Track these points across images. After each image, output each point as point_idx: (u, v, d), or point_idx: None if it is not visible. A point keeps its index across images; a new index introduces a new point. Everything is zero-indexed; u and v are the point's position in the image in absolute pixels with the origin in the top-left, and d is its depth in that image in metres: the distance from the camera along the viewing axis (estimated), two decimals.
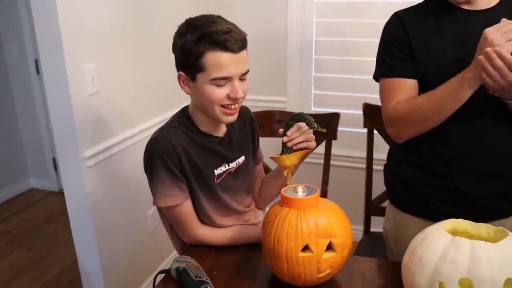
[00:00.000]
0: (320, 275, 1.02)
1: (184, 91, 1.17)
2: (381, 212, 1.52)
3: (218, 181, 1.24)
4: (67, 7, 1.59)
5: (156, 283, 1.14)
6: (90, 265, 1.91)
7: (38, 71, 3.30)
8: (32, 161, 3.58)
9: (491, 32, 1.02)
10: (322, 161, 1.81)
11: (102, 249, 1.89)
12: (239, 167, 1.29)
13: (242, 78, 1.13)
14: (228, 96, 1.11)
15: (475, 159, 1.18)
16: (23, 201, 3.45)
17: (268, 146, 1.53)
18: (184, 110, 1.24)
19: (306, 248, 1.00)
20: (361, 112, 1.77)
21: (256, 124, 1.40)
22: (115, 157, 1.93)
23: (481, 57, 1.01)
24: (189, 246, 1.27)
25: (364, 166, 1.84)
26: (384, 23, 1.29)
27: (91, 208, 1.81)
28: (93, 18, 1.74)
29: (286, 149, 1.16)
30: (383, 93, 1.26)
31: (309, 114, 1.19)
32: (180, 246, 1.33)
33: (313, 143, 1.18)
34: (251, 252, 1.22)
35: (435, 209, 1.22)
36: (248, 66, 1.14)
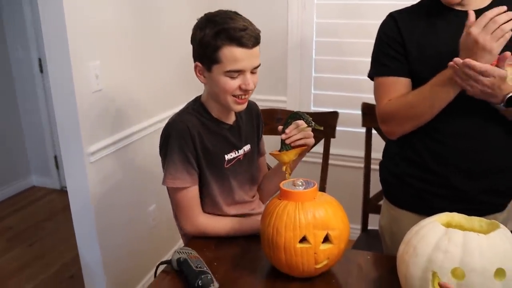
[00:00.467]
0: (318, 266, 1.05)
1: (200, 80, 1.27)
2: (379, 210, 1.55)
3: (228, 165, 1.31)
4: (73, 4, 1.62)
5: (157, 274, 1.17)
6: (91, 260, 1.94)
7: (41, 70, 3.33)
8: (34, 159, 3.61)
9: (479, 33, 1.02)
10: (321, 160, 1.84)
11: (103, 244, 1.92)
12: (245, 155, 1.37)
13: (253, 71, 1.22)
14: (240, 87, 1.21)
15: (469, 155, 1.20)
16: (25, 198, 3.47)
17: (268, 143, 1.57)
18: (197, 99, 1.33)
19: (304, 239, 1.04)
20: (359, 112, 1.81)
21: (262, 119, 1.50)
22: (118, 153, 1.96)
23: (450, 65, 1.04)
24: (190, 238, 1.30)
25: (362, 165, 1.87)
26: None
27: (93, 203, 1.84)
28: (98, 15, 1.77)
29: (284, 146, 1.23)
30: (377, 91, 1.30)
31: (308, 113, 1.23)
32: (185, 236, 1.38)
33: (311, 140, 1.24)
34: (251, 244, 1.25)
35: (429, 204, 1.25)
36: (259, 60, 1.23)
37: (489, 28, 1.02)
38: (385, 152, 1.42)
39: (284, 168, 1.24)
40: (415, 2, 1.30)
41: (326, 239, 1.05)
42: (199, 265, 1.07)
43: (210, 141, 1.28)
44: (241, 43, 1.15)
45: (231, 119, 1.35)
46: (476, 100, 1.12)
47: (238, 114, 1.37)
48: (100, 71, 1.79)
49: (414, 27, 1.23)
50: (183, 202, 1.27)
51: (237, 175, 1.35)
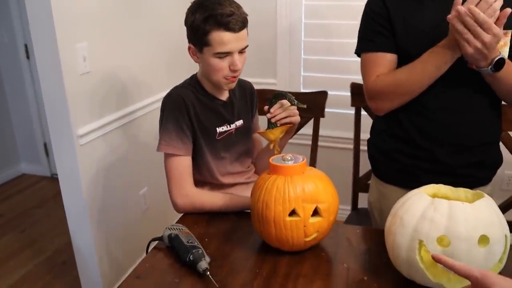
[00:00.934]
0: (307, 239, 1.07)
1: (193, 59, 1.36)
2: (368, 189, 1.57)
3: (219, 138, 1.39)
4: None
5: (149, 251, 1.18)
6: (83, 245, 1.94)
7: (28, 56, 3.29)
8: (23, 146, 3.58)
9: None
10: (310, 142, 1.86)
11: (95, 228, 1.92)
12: (238, 129, 1.44)
13: (241, 51, 1.29)
14: (229, 68, 1.29)
15: (453, 130, 1.22)
16: (15, 186, 3.46)
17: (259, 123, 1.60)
18: (194, 76, 1.42)
19: (293, 213, 1.05)
20: (349, 93, 1.82)
21: (257, 97, 1.56)
22: (108, 136, 1.96)
23: (451, 16, 1.05)
24: (181, 216, 1.31)
25: (351, 146, 1.88)
26: None
27: (84, 187, 1.84)
28: None
29: (271, 124, 1.29)
30: (364, 67, 1.31)
31: (297, 94, 1.26)
32: None
33: (296, 118, 1.30)
34: (241, 220, 1.26)
35: (416, 179, 1.26)
36: (246, 42, 1.30)
37: (481, 8, 1.03)
38: (373, 129, 1.44)
39: (271, 146, 1.30)
40: None
41: (316, 213, 1.07)
42: (190, 241, 1.09)
43: (203, 114, 1.36)
44: (228, 28, 1.22)
45: (225, 96, 1.42)
46: (461, 74, 1.13)
47: (231, 92, 1.44)
48: (88, 53, 1.78)
49: (401, 3, 1.23)
50: (177, 171, 1.31)
51: (229, 147, 1.42)
